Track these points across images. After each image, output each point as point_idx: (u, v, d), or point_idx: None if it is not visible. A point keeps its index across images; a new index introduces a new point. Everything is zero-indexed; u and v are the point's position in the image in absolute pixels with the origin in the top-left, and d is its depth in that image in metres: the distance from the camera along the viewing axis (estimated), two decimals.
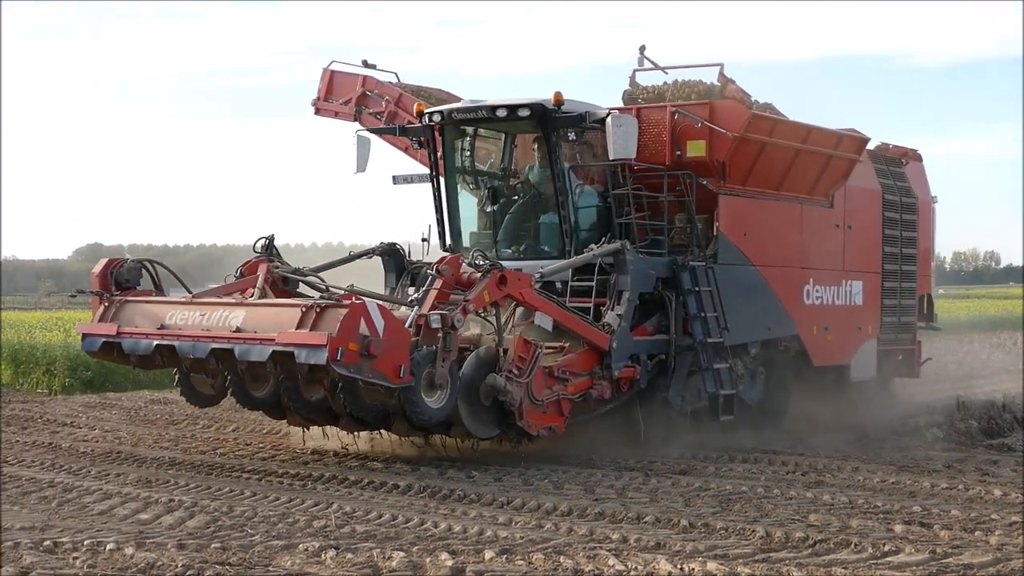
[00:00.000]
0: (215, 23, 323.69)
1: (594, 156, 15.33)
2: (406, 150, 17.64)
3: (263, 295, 13.36)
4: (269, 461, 13.68)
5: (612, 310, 14.19)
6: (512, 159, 16.22)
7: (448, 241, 15.82)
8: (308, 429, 14.62)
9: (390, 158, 18.13)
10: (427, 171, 16.05)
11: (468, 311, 12.50)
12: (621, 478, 12.58)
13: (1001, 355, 32.68)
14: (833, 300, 17.50)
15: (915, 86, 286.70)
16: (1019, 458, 14.53)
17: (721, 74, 16.52)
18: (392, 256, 16.00)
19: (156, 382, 22.46)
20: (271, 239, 14.53)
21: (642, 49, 17.21)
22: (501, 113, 14.78)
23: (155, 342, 12.85)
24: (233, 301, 12.99)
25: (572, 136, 14.73)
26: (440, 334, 12.19)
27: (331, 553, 8.83)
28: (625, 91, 17.09)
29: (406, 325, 12.10)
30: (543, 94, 14.68)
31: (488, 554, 8.88)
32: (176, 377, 14.36)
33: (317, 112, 18.97)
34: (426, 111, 15.52)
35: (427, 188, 15.97)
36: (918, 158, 20.03)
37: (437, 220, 15.88)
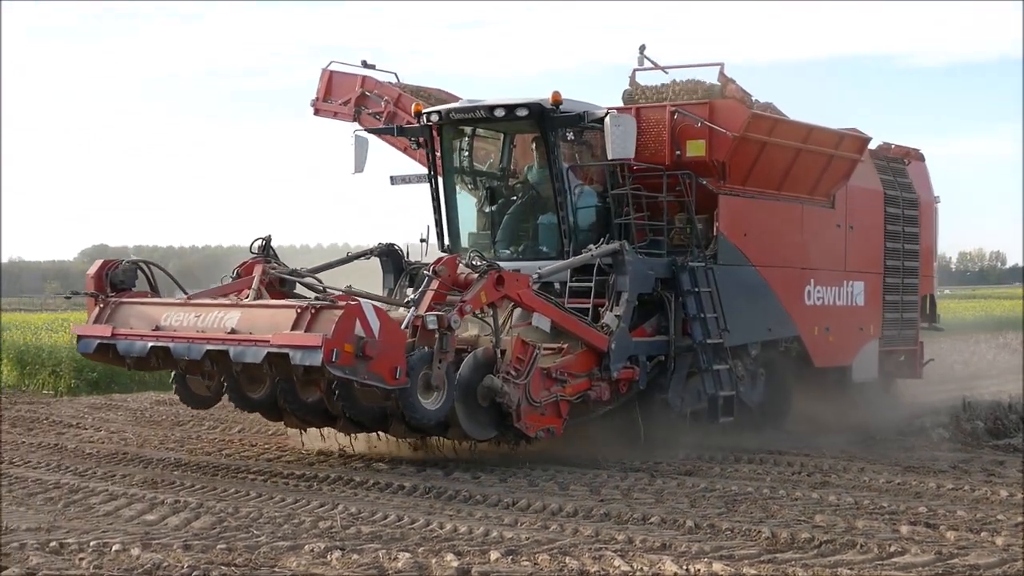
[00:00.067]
0: (217, 24, 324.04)
1: (593, 156, 15.26)
2: (405, 150, 17.58)
3: (258, 296, 13.30)
4: (275, 462, 13.67)
5: (611, 311, 14.11)
6: (511, 159, 16.15)
7: (446, 242, 15.75)
8: (305, 431, 14.56)
9: (390, 158, 18.11)
10: (425, 171, 15.97)
11: (465, 312, 12.43)
12: (627, 479, 12.55)
13: (1007, 355, 32.58)
14: (834, 301, 17.41)
15: (918, 86, 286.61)
16: None
17: (721, 74, 16.40)
18: (390, 257, 15.95)
19: (162, 383, 22.44)
20: (268, 240, 14.47)
21: (642, 49, 17.11)
22: (499, 113, 14.71)
23: (150, 344, 12.80)
24: (228, 302, 12.93)
25: (571, 136, 14.67)
26: (436, 335, 12.12)
27: (337, 554, 8.84)
28: (625, 91, 17.00)
29: (402, 326, 12.03)
30: (543, 94, 14.63)
31: (494, 555, 8.88)
32: (172, 379, 14.29)
33: (316, 112, 18.93)
34: (424, 111, 15.47)
35: (425, 188, 15.93)
36: (920, 158, 19.93)
37: (435, 221, 15.82)
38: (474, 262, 12.83)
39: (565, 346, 13.63)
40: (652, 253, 14.95)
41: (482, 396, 12.65)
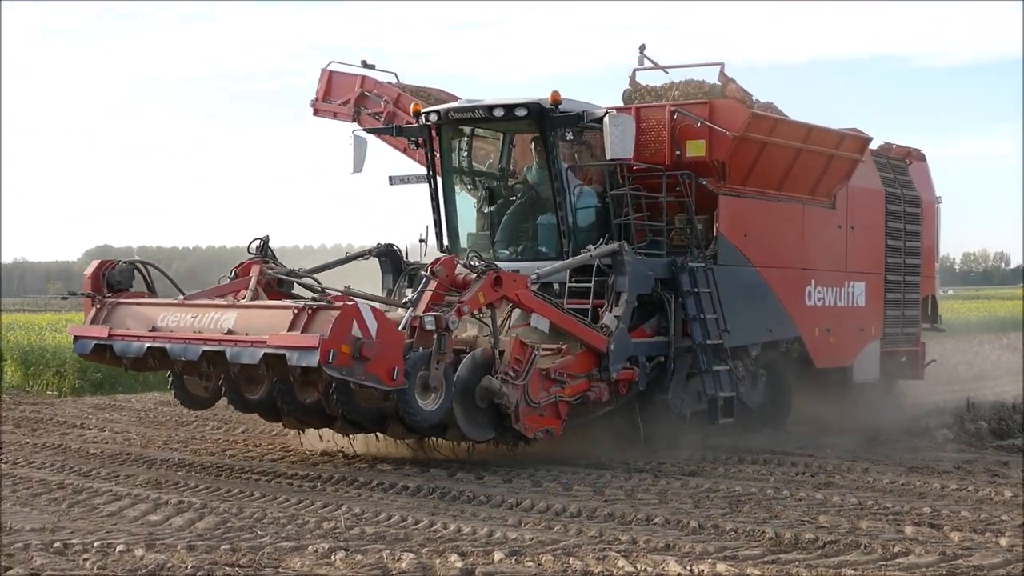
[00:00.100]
0: (221, 25, 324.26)
1: (593, 156, 15.21)
2: (404, 150, 17.53)
3: (255, 296, 13.25)
4: (279, 462, 13.65)
5: (610, 311, 14.06)
6: (510, 159, 16.10)
7: (445, 242, 15.69)
8: (303, 432, 14.51)
9: (390, 158, 18.06)
10: (424, 171, 15.91)
11: (463, 313, 12.39)
12: (630, 479, 12.53)
13: (1010, 356, 32.50)
14: (835, 301, 17.35)
15: (920, 87, 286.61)
16: None
17: (722, 73, 16.38)
18: (389, 257, 15.88)
19: (165, 384, 22.41)
20: (266, 240, 14.42)
21: (642, 48, 17.09)
22: (498, 113, 14.65)
23: (146, 344, 12.75)
24: (225, 303, 12.89)
25: (570, 136, 14.62)
26: (434, 336, 12.07)
27: (341, 554, 8.84)
28: (625, 90, 16.96)
29: (400, 327, 11.98)
30: (542, 94, 14.57)
31: (498, 555, 8.87)
32: (170, 380, 14.25)
33: (316, 113, 18.89)
34: (423, 111, 15.41)
35: (424, 189, 15.87)
36: (922, 158, 19.86)
37: (434, 221, 15.76)
38: (472, 263, 12.78)
39: (564, 347, 13.58)
40: (652, 254, 14.89)
41: (480, 397, 12.61)
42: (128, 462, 13.72)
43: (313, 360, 11.33)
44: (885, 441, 16.00)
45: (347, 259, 15.97)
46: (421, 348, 12.02)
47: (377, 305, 12.73)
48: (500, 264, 13.66)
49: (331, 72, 18.71)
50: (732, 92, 16.11)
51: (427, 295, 12.39)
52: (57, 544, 9.07)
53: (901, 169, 19.22)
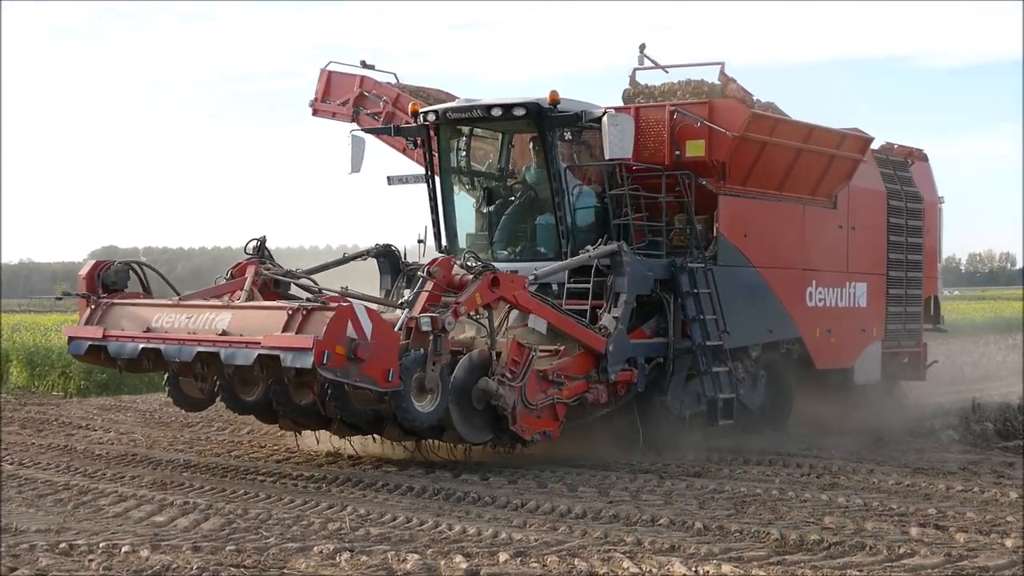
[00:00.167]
0: (224, 26, 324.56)
1: (592, 156, 15.13)
2: (403, 151, 17.47)
3: (250, 297, 13.18)
4: (284, 463, 13.62)
5: (608, 312, 13.97)
6: (509, 159, 16.03)
7: (444, 242, 15.61)
8: (300, 434, 14.44)
9: (389, 159, 18.00)
10: (423, 171, 15.84)
11: (459, 313, 12.30)
12: (635, 480, 12.49)
13: (1016, 356, 32.45)
14: (836, 302, 17.26)
15: (921, 88, 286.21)
16: None
17: (722, 73, 16.29)
18: (387, 258, 15.82)
19: None
20: (263, 241, 14.34)
21: (642, 48, 17.03)
22: (496, 112, 14.57)
23: (141, 345, 12.70)
24: (220, 304, 12.81)
25: (568, 136, 14.55)
26: (431, 337, 11.99)
27: (345, 555, 8.83)
28: (625, 90, 16.88)
29: (396, 328, 11.90)
30: (541, 94, 14.49)
31: (502, 556, 8.85)
32: (165, 381, 14.19)
33: (315, 113, 18.82)
34: (421, 111, 15.34)
35: (423, 189, 15.79)
36: (924, 158, 19.77)
37: (433, 221, 15.68)
38: (469, 263, 12.70)
39: (562, 348, 13.50)
40: (651, 254, 14.80)
41: (477, 399, 12.54)
42: (133, 463, 13.70)
43: (307, 361, 11.26)
44: (890, 442, 15.94)
45: (345, 260, 15.91)
46: (417, 349, 11.94)
47: (374, 306, 12.68)
48: (498, 264, 13.60)
49: (330, 72, 18.64)
50: (732, 92, 16.03)
51: (423, 296, 12.32)
52: (63, 545, 9.08)
53: (903, 169, 19.12)
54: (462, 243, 15.52)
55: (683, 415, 14.66)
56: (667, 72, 16.79)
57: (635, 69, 16.96)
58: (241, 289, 13.42)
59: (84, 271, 13.61)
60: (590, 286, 14.09)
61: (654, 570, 8.50)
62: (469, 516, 10.57)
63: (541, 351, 13.14)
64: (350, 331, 11.35)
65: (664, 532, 9.90)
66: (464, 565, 8.55)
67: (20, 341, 25.59)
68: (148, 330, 12.74)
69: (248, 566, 8.55)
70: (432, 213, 15.67)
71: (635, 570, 8.50)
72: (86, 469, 13.22)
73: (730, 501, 11.38)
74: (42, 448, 14.94)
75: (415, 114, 15.34)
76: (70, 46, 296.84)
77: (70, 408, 20.19)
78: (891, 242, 18.46)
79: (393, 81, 18.28)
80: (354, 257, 15.96)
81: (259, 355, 11.68)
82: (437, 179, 15.61)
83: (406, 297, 13.16)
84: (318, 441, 14.40)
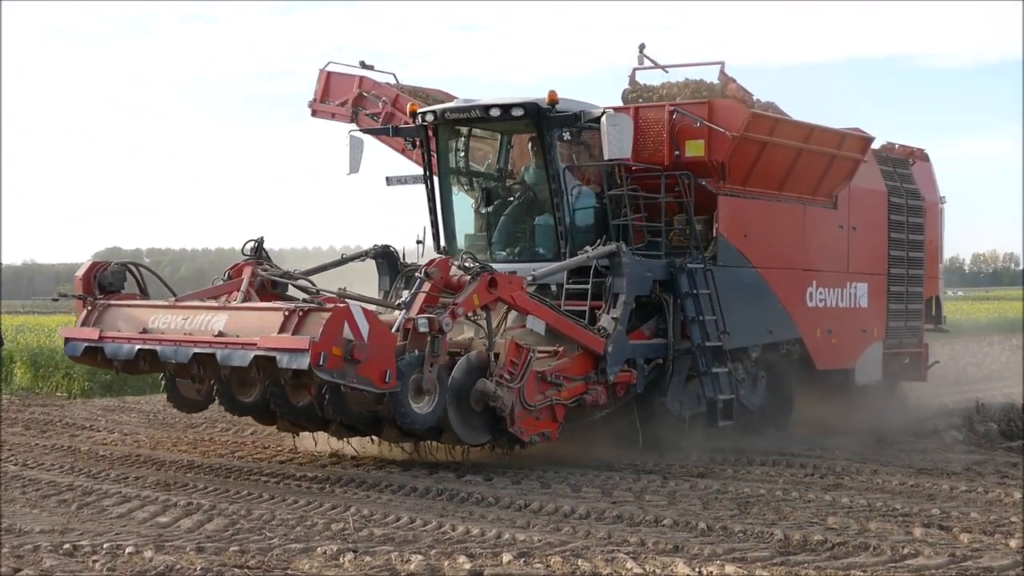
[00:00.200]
0: (230, 28, 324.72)
1: (591, 156, 15.06)
2: (402, 151, 17.41)
3: (247, 298, 13.13)
4: (287, 464, 13.60)
5: (607, 313, 13.91)
6: (508, 160, 15.97)
7: (443, 243, 15.56)
8: (298, 435, 14.39)
9: (388, 159, 17.94)
10: (421, 172, 15.78)
11: (457, 315, 12.26)
12: (639, 481, 12.47)
13: (1020, 357, 32.36)
14: (837, 302, 17.20)
15: (923, 88, 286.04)
16: None
17: (722, 73, 16.23)
18: (386, 259, 15.78)
19: None
20: (260, 241, 14.30)
21: (641, 48, 16.96)
22: (494, 113, 14.52)
23: (137, 346, 12.66)
24: (216, 305, 12.76)
25: (567, 136, 14.50)
26: (428, 338, 11.94)
27: (349, 556, 8.82)
28: (625, 90, 16.82)
29: (393, 329, 11.84)
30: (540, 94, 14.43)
31: (506, 557, 8.84)
32: (163, 382, 14.15)
33: (314, 114, 18.78)
34: (419, 111, 15.28)
35: (422, 189, 15.73)
36: (925, 158, 19.70)
37: (431, 222, 15.63)
38: (466, 264, 12.64)
39: (560, 349, 13.44)
40: (650, 255, 14.74)
41: (475, 400, 12.48)
42: (137, 464, 13.68)
43: (303, 363, 11.22)
44: (893, 443, 15.90)
45: (343, 260, 15.87)
46: (415, 351, 11.89)
47: (372, 307, 12.63)
48: (497, 265, 13.55)
49: (329, 72, 18.59)
50: (732, 92, 15.97)
51: (421, 297, 12.28)
52: (67, 546, 9.08)
53: (904, 169, 19.05)
54: (461, 244, 15.47)
55: (683, 416, 14.61)
56: (667, 72, 16.75)
57: (635, 69, 16.90)
58: (238, 290, 13.38)
59: (80, 272, 13.59)
60: (589, 287, 14.04)
61: (658, 570, 8.51)
62: (473, 517, 10.55)
63: (539, 352, 13.08)
64: (346, 332, 11.31)
65: (668, 532, 9.90)
66: (468, 566, 8.55)
67: (24, 342, 25.56)
68: (144, 331, 12.71)
69: (252, 567, 8.55)
70: (431, 214, 15.62)
71: (639, 571, 8.50)
72: (90, 470, 13.21)
73: (734, 501, 11.37)
74: (46, 449, 14.94)
75: (413, 114, 15.29)
76: (74, 47, 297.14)
77: (74, 409, 20.20)
78: (892, 242, 18.41)
79: (392, 81, 18.23)
80: (352, 258, 15.93)
81: (255, 356, 11.65)
82: (436, 180, 15.55)
83: (404, 298, 13.12)
84: (316, 443, 14.35)
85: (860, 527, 10.11)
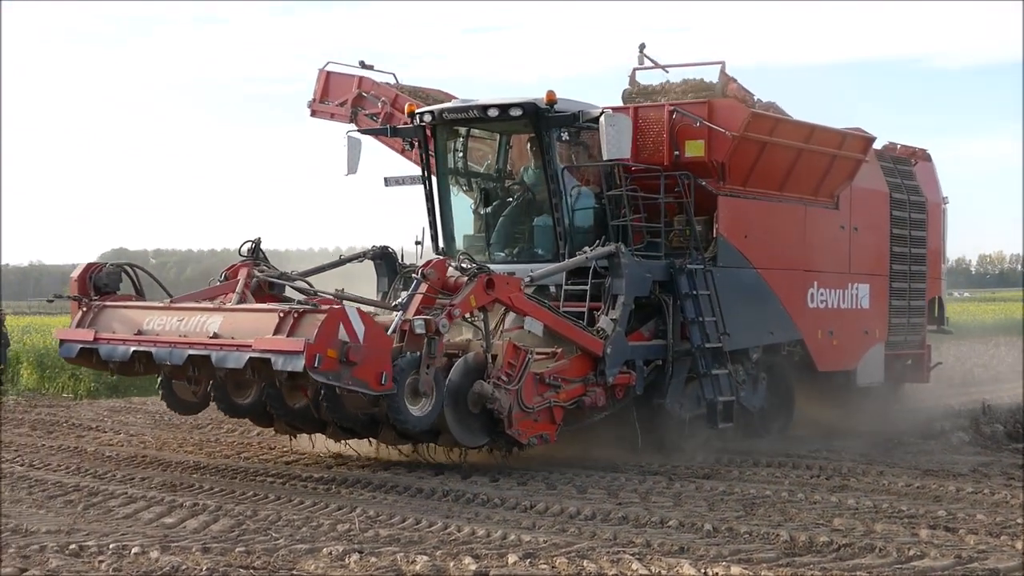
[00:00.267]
0: (235, 29, 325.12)
1: (590, 157, 14.99)
2: (401, 152, 17.34)
3: (242, 299, 13.06)
4: (293, 465, 13.59)
5: (606, 315, 13.82)
6: (507, 160, 15.89)
7: (441, 244, 15.48)
8: (295, 437, 14.32)
9: (387, 160, 17.88)
10: (420, 172, 15.70)
11: (454, 316, 12.19)
12: (645, 482, 12.45)
13: (1021, 358, 32.25)
14: (838, 303, 17.11)
15: (927, 88, 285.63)
16: None
17: (722, 73, 16.13)
18: (384, 260, 15.72)
19: None
20: (257, 243, 14.23)
21: (642, 47, 16.86)
22: (493, 113, 14.44)
23: (132, 348, 12.61)
24: (211, 306, 12.70)
25: (566, 136, 14.42)
26: (425, 340, 11.86)
27: (355, 557, 8.84)
28: (625, 90, 16.73)
29: (389, 331, 11.76)
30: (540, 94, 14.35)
31: (512, 558, 8.83)
32: (159, 384, 14.10)
33: (313, 114, 18.74)
34: (417, 111, 15.21)
35: (420, 190, 15.65)
36: (927, 158, 19.61)
37: (430, 223, 15.55)
38: (464, 265, 12.56)
39: (559, 351, 13.36)
40: (650, 255, 14.65)
41: (473, 402, 12.42)
42: (143, 465, 13.68)
43: (299, 365, 11.17)
44: (899, 444, 15.85)
45: (341, 261, 15.81)
46: (411, 352, 11.82)
47: (369, 308, 12.55)
48: (496, 266, 13.47)
49: (328, 72, 18.54)
50: (733, 91, 15.88)
51: (417, 298, 12.21)
52: (73, 546, 9.11)
53: (906, 169, 18.96)
54: (460, 245, 15.38)
55: (682, 418, 14.53)
56: (667, 72, 16.65)
57: (635, 69, 16.82)
58: (234, 291, 13.31)
59: (76, 273, 13.54)
60: (588, 288, 13.95)
61: (663, 572, 8.50)
62: (478, 518, 10.55)
63: (537, 354, 13.00)
64: (342, 334, 11.26)
65: (673, 534, 9.89)
66: (473, 567, 8.56)
67: (30, 343, 25.60)
68: (139, 333, 12.66)
69: (258, 567, 8.55)
70: (429, 215, 15.55)
71: (644, 572, 8.49)
72: (96, 471, 13.23)
73: (739, 503, 11.34)
74: (52, 450, 14.97)
75: (412, 114, 15.22)
76: (74, 47, 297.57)
77: (80, 410, 20.27)
78: (894, 243, 18.32)
79: (392, 81, 18.17)
80: (351, 259, 15.88)
81: (250, 358, 11.61)
82: (434, 180, 15.48)
83: (401, 299, 13.03)
84: (313, 444, 14.28)
85: (866, 528, 10.09)
